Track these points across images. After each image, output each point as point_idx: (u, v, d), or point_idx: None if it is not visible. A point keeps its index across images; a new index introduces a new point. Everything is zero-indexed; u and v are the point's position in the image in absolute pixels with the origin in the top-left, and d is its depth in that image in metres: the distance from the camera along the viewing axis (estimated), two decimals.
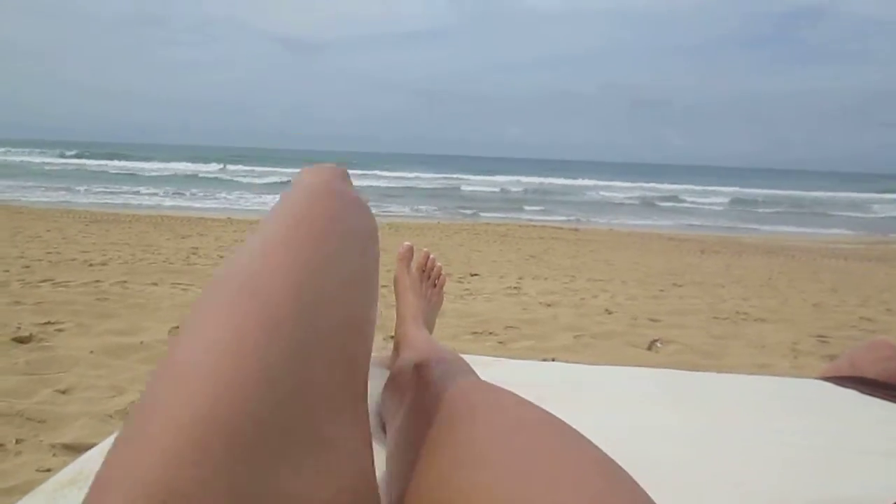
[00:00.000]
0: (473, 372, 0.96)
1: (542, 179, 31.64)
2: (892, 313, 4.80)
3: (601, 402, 1.17)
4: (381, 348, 1.42)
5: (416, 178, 29.79)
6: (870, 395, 1.17)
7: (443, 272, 1.44)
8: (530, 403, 0.57)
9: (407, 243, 1.38)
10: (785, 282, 6.54)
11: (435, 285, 1.42)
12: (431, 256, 1.42)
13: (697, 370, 3.08)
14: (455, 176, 31.78)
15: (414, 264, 1.39)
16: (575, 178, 34.66)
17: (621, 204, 21.79)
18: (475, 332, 3.64)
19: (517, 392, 1.19)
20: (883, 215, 21.87)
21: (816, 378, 1.33)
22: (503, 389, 0.61)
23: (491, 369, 1.34)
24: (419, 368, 0.74)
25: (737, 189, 30.72)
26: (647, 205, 21.73)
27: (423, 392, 0.66)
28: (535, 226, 12.94)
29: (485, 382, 0.65)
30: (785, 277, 6.90)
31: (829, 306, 5.02)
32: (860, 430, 1.01)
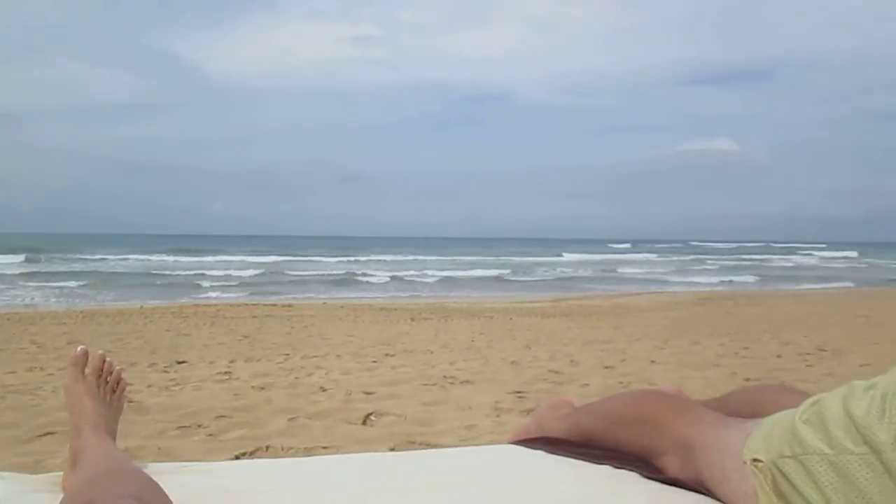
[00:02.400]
0: (156, 490, 0.87)
1: (250, 258, 30.97)
2: (575, 364, 5.36)
3: (316, 497, 1.12)
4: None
5: (105, 259, 27.68)
6: (555, 453, 1.27)
7: (123, 376, 1.32)
8: None
9: (81, 347, 1.25)
10: (486, 342, 7.04)
11: (114, 391, 1.29)
12: (108, 360, 1.29)
13: (411, 440, 3.16)
14: (155, 258, 29.96)
15: (89, 369, 1.26)
16: (285, 254, 34.51)
17: (332, 277, 22.04)
18: (182, 427, 3.39)
19: (222, 502, 1.09)
20: (561, 275, 24.70)
21: (510, 442, 1.41)
22: None
23: (187, 476, 1.23)
24: None
25: (444, 258, 32.85)
26: (356, 278, 22.17)
27: None
28: (247, 304, 12.58)
29: None
30: (486, 338, 7.43)
31: (524, 363, 5.48)
32: (548, 491, 1.08)
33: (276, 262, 28.58)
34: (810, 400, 0.97)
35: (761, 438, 0.97)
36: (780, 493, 0.90)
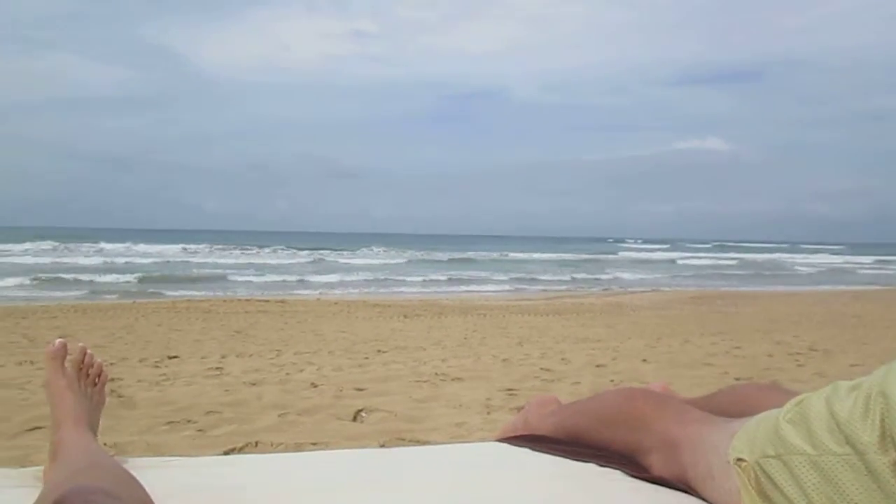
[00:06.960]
0: (133, 483, 0.87)
1: (243, 252, 30.94)
2: (567, 362, 5.37)
3: (303, 492, 1.12)
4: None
5: (104, 251, 27.63)
6: (540, 451, 1.26)
7: (104, 368, 1.31)
8: None
9: (60, 340, 1.24)
10: (478, 339, 7.03)
11: (95, 384, 1.28)
12: (89, 352, 1.29)
13: (401, 437, 3.15)
14: (147, 248, 29.93)
15: (69, 362, 1.25)
16: (277, 246, 34.57)
17: (332, 273, 21.96)
18: (171, 422, 3.38)
19: (206, 497, 1.09)
20: (558, 277, 24.69)
21: (496, 439, 1.41)
22: None
23: (173, 471, 1.23)
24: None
25: (450, 254, 32.89)
26: (346, 273, 22.10)
27: None
28: (240, 300, 12.56)
29: None
30: (478, 335, 7.42)
31: (515, 360, 5.48)
32: (533, 489, 1.08)
33: (271, 264, 28.53)
34: (795, 400, 0.97)
35: (746, 438, 0.97)
36: (762, 493, 0.90)
